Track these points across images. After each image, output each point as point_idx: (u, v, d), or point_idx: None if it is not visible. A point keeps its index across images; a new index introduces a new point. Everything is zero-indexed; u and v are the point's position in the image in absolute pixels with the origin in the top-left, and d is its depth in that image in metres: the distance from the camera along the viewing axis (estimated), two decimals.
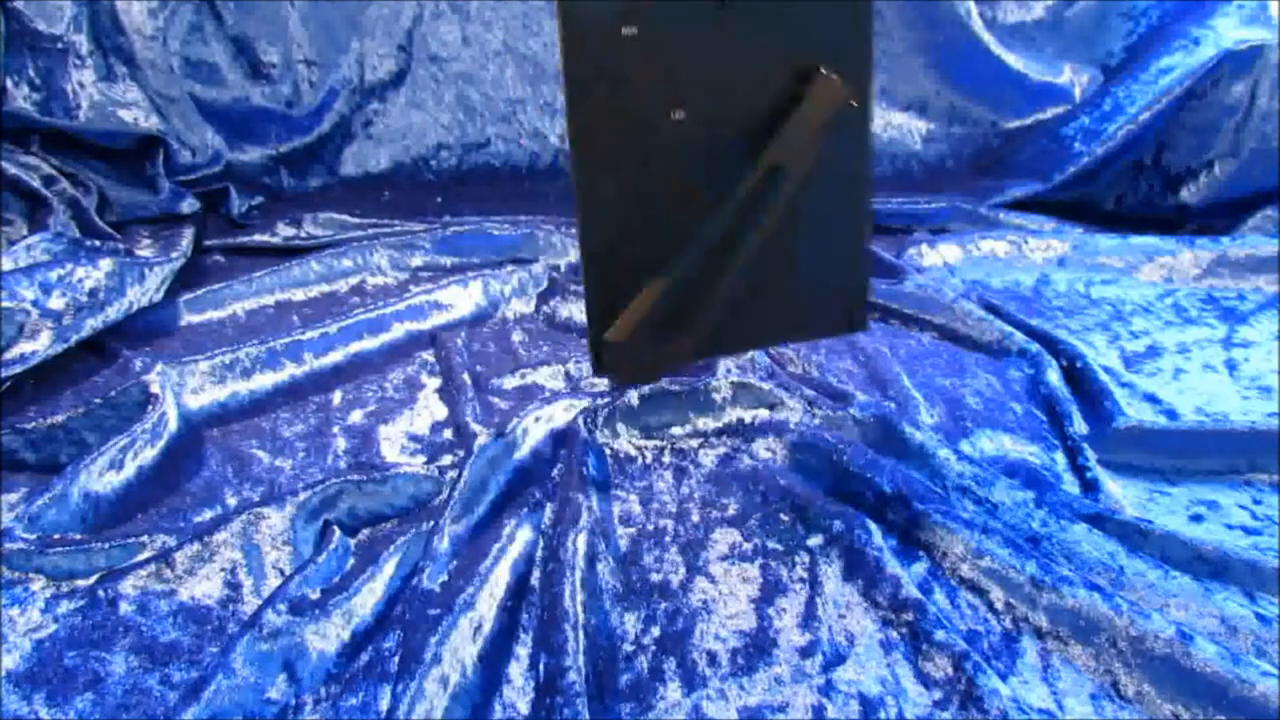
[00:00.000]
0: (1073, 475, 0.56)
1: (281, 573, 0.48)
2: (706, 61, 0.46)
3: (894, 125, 1.06)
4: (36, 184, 0.86)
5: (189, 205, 0.93)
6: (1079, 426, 0.60)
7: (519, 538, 0.48)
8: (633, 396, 0.58)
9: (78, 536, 0.50)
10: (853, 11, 0.46)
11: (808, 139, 0.48)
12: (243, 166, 1.00)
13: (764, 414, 0.58)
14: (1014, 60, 1.05)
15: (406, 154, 1.03)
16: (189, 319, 0.76)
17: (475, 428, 0.57)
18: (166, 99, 0.96)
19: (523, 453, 0.55)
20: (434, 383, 0.67)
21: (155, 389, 0.60)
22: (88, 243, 0.80)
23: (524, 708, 0.40)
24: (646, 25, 0.44)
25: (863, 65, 0.47)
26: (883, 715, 0.40)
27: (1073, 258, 0.84)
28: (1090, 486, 0.55)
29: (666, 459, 0.55)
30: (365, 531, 0.52)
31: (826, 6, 0.45)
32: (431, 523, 0.49)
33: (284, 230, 0.93)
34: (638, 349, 0.50)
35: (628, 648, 0.44)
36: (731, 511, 0.52)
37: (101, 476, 0.53)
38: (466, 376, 0.65)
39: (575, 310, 0.77)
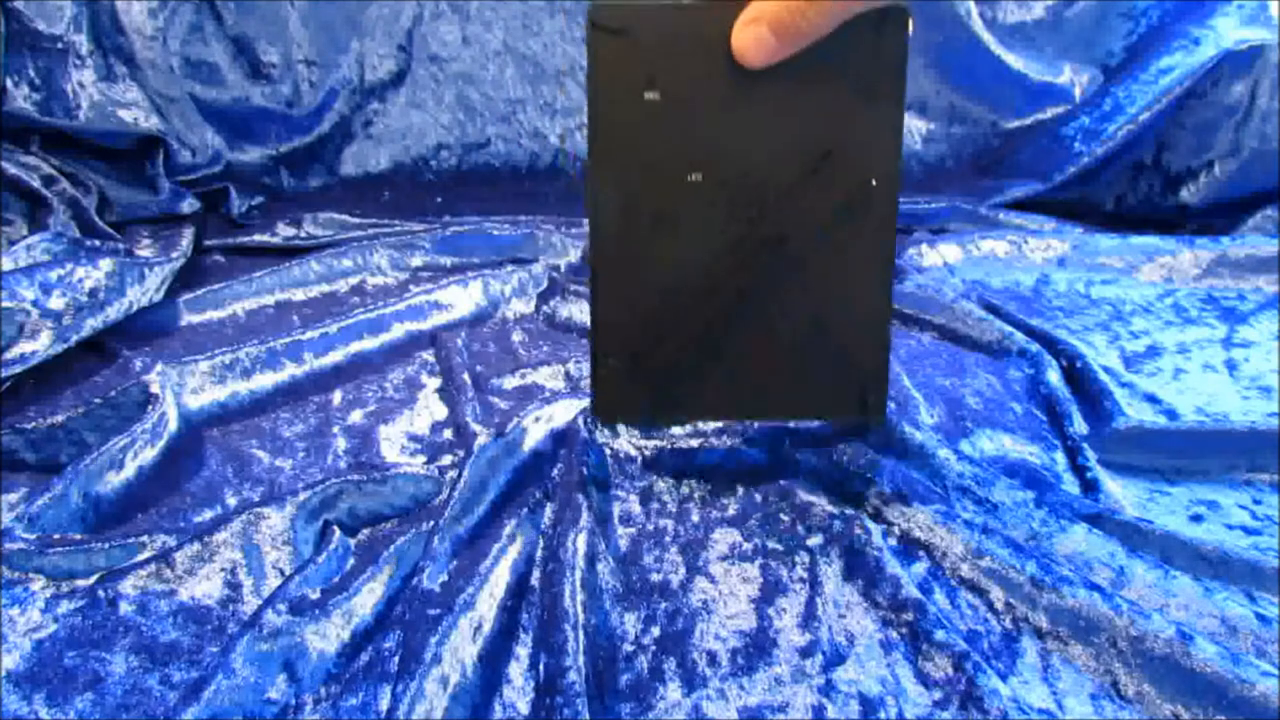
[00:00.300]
0: (1073, 475, 0.56)
1: (281, 573, 0.48)
2: (727, 131, 0.47)
3: None
4: (36, 184, 0.86)
5: (189, 205, 0.93)
6: (1079, 426, 0.60)
7: (519, 538, 0.48)
8: None
9: (78, 536, 0.50)
10: (882, 95, 0.46)
11: (823, 216, 0.48)
12: (243, 166, 1.00)
13: None
14: (1014, 60, 1.05)
15: (406, 154, 1.03)
16: (189, 319, 0.76)
17: (475, 428, 0.57)
18: (166, 99, 0.96)
19: (523, 453, 0.55)
20: (434, 383, 0.67)
21: (155, 389, 0.60)
22: (88, 243, 0.80)
23: (524, 708, 0.40)
24: (668, 93, 0.46)
25: (889, 147, 0.48)
26: (883, 715, 0.40)
27: (1073, 258, 0.84)
28: (1090, 486, 0.55)
29: (667, 459, 0.55)
30: (365, 531, 0.52)
31: (855, 87, 0.46)
32: (431, 523, 0.49)
33: (284, 230, 0.93)
34: (636, 401, 0.52)
35: (628, 648, 0.44)
36: (731, 511, 0.52)
37: (101, 476, 0.53)
38: (466, 376, 0.65)
39: (575, 310, 0.77)
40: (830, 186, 0.48)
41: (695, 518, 0.51)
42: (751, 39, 0.43)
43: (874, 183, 0.48)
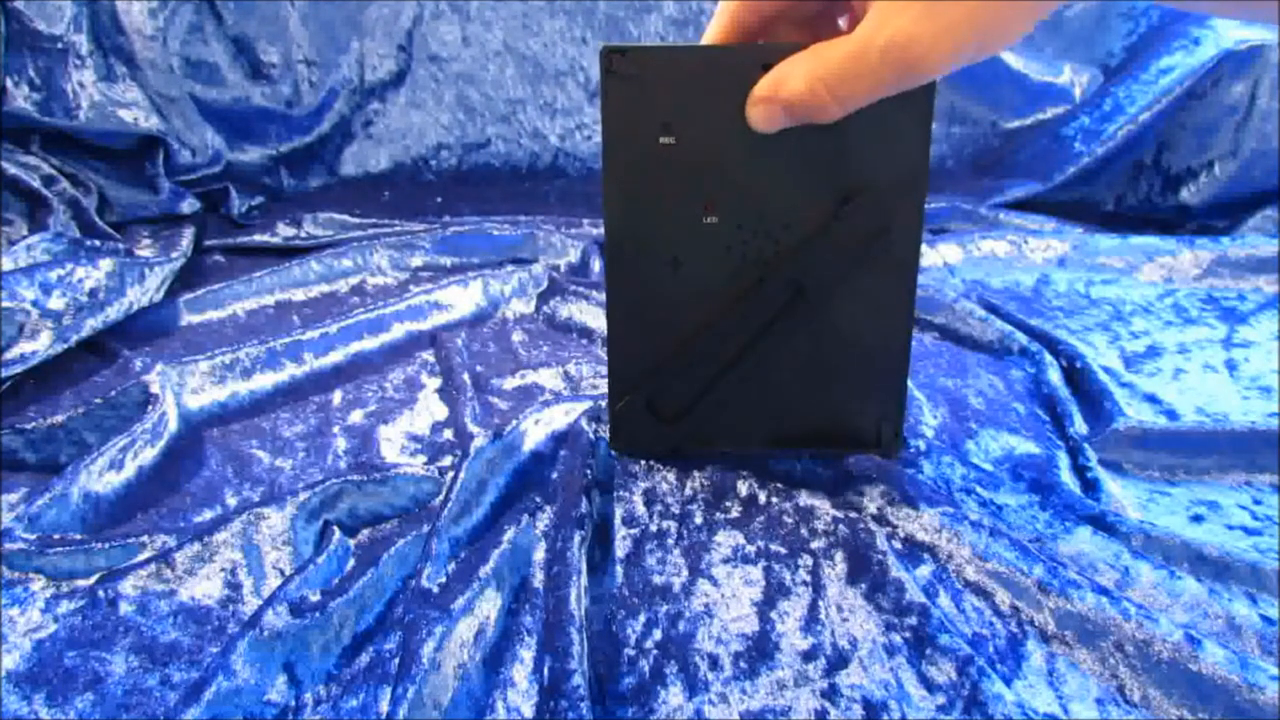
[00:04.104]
0: (1074, 476, 0.56)
1: (281, 573, 0.48)
2: (742, 175, 0.47)
3: None
4: (36, 184, 0.86)
5: (189, 205, 0.93)
6: (1079, 426, 0.60)
7: (520, 540, 0.48)
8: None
9: (78, 536, 0.50)
10: (906, 141, 0.46)
11: (842, 260, 0.48)
12: (243, 166, 1.00)
13: None
14: (1014, 60, 1.05)
15: (406, 154, 1.03)
16: (189, 319, 0.76)
17: (474, 429, 0.57)
18: (166, 99, 0.96)
19: (522, 454, 0.55)
20: (434, 383, 0.67)
21: (155, 389, 0.60)
22: (88, 243, 0.80)
23: (528, 711, 0.40)
24: (683, 137, 0.46)
25: (911, 192, 0.47)
26: (885, 719, 0.40)
27: (1073, 258, 0.84)
28: (1091, 487, 0.55)
29: (669, 460, 0.55)
30: (365, 532, 0.52)
31: (878, 133, 0.46)
32: (431, 524, 0.49)
33: (284, 230, 0.93)
34: (652, 435, 0.53)
35: (629, 651, 0.43)
36: (735, 514, 0.52)
37: (101, 476, 0.53)
38: (466, 377, 0.65)
39: (575, 310, 0.76)
40: (850, 231, 0.48)
41: (698, 519, 0.51)
42: (764, 115, 0.42)
43: (894, 230, 0.48)
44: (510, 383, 0.66)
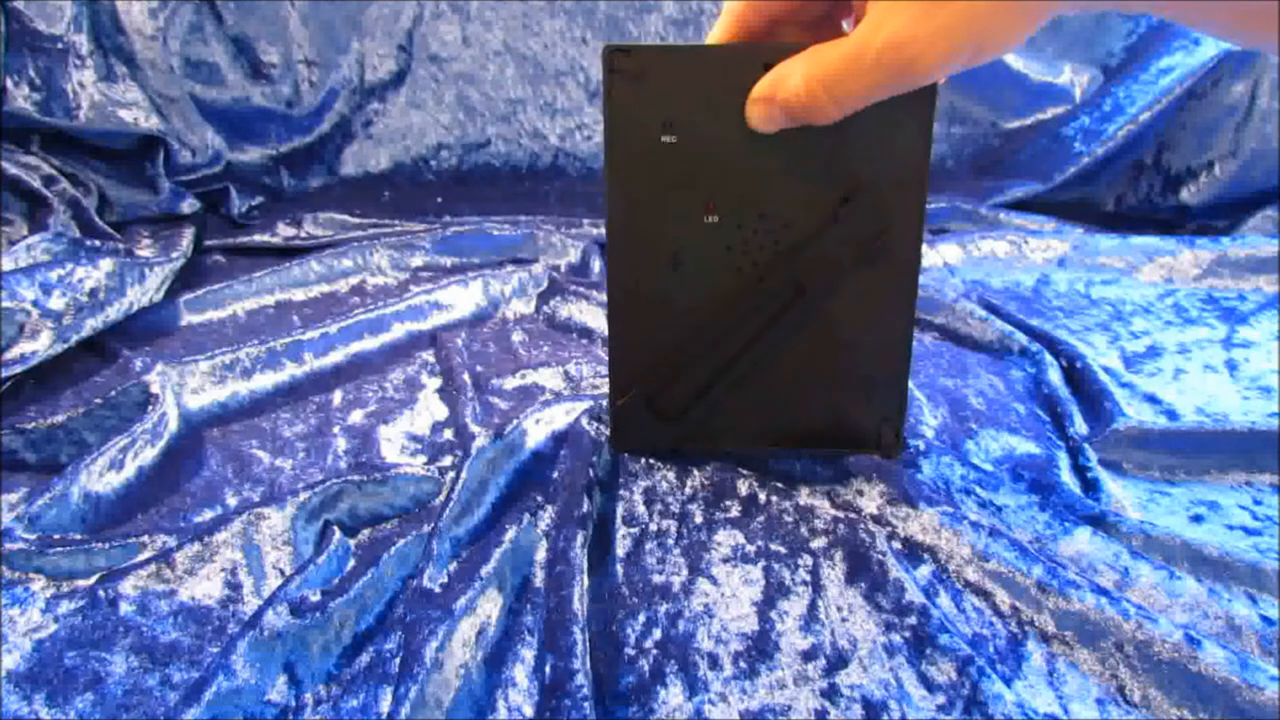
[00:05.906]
0: (1074, 476, 0.56)
1: (281, 573, 0.48)
2: (744, 175, 0.47)
3: None
4: (36, 184, 0.86)
5: (189, 205, 0.93)
6: (1079, 427, 0.60)
7: (521, 540, 0.48)
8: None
9: (78, 536, 0.50)
10: (907, 141, 0.46)
11: (843, 260, 0.48)
12: (243, 166, 1.00)
13: None
14: (1014, 60, 1.05)
15: (406, 154, 1.03)
16: (189, 319, 0.76)
17: (475, 428, 0.57)
18: (166, 99, 0.96)
19: (523, 454, 0.55)
20: (434, 383, 0.67)
21: (155, 389, 0.60)
22: (88, 243, 0.80)
23: (529, 710, 0.40)
24: (685, 136, 0.46)
25: (913, 192, 0.47)
26: (885, 719, 0.40)
27: (1073, 258, 0.84)
28: (1091, 487, 0.55)
29: (669, 459, 0.55)
30: (365, 532, 0.52)
31: (879, 133, 0.46)
32: (432, 524, 0.49)
33: (284, 230, 0.93)
34: (653, 433, 0.54)
35: (629, 650, 0.43)
36: (734, 513, 0.52)
37: (101, 476, 0.53)
38: (466, 377, 0.65)
39: (575, 310, 0.76)
40: (850, 231, 0.48)
41: (698, 519, 0.51)
42: (762, 115, 0.43)
43: (895, 230, 0.48)
44: (510, 383, 0.66)
